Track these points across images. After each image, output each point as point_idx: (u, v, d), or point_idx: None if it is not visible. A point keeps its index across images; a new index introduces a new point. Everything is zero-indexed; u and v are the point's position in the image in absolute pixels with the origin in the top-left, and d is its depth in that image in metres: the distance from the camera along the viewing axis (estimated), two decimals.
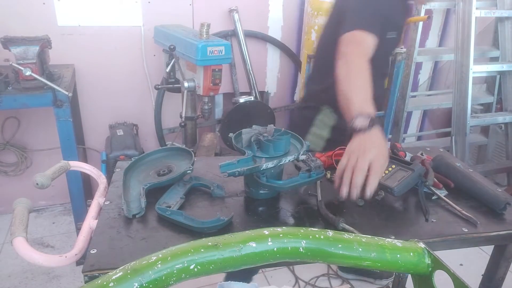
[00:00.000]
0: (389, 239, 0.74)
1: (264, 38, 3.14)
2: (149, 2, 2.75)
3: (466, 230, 1.12)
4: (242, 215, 1.15)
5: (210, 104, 2.61)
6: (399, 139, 3.31)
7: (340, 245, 0.69)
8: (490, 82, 3.40)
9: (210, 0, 2.89)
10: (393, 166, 1.28)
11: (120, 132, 2.69)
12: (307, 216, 1.16)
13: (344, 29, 1.37)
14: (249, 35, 3.06)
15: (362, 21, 1.39)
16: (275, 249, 0.65)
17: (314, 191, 1.26)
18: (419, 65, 3.69)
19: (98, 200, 1.19)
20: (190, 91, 2.46)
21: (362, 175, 1.05)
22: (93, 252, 0.96)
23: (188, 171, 1.23)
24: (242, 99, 3.01)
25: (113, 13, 2.69)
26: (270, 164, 1.11)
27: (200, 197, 1.23)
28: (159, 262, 0.59)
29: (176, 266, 0.59)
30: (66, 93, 2.04)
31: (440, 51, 3.43)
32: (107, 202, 1.17)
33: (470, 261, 2.55)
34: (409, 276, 0.80)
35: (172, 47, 2.31)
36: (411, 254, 0.72)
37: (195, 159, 1.31)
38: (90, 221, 1.09)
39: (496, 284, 1.27)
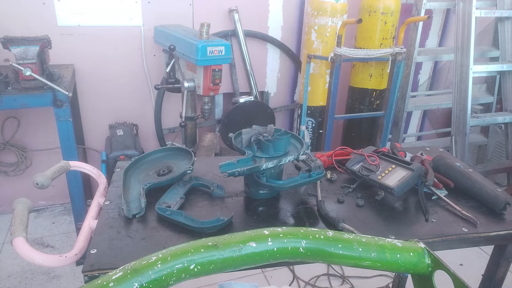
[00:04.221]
0: (389, 239, 0.74)
1: (264, 38, 3.14)
2: (149, 2, 2.75)
3: (466, 230, 1.12)
4: (242, 215, 1.15)
5: (210, 104, 2.61)
6: (399, 139, 3.31)
7: (340, 245, 0.69)
8: (490, 82, 3.40)
9: (210, 0, 2.89)
10: (393, 166, 1.28)
11: (120, 132, 2.69)
12: (307, 216, 1.16)
13: None
14: (249, 35, 3.06)
15: None
16: (275, 249, 0.65)
17: (314, 191, 1.26)
18: (419, 65, 3.69)
19: (98, 200, 1.20)
20: (190, 91, 2.46)
21: None
22: (93, 252, 0.96)
23: (188, 171, 1.23)
24: (242, 99, 3.01)
25: (113, 13, 2.69)
26: (270, 164, 1.11)
27: (200, 197, 1.23)
28: (159, 262, 0.59)
29: (176, 266, 0.59)
30: (66, 93, 2.04)
31: (440, 51, 3.43)
32: (107, 202, 1.17)
33: (470, 261, 2.54)
34: (409, 276, 0.80)
35: (172, 47, 2.31)
36: (411, 254, 0.72)
37: (195, 159, 1.31)
38: (90, 221, 1.09)
39: (496, 284, 1.26)
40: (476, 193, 1.26)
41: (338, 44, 2.63)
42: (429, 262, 0.72)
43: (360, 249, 0.70)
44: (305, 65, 2.93)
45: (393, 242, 0.73)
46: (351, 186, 1.31)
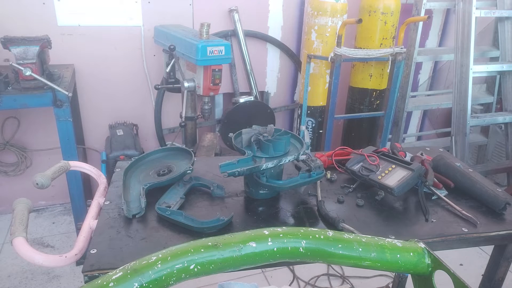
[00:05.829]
0: (389, 239, 0.74)
1: (264, 38, 3.14)
2: (149, 2, 2.75)
3: (466, 230, 1.12)
4: (242, 215, 1.15)
5: (210, 104, 2.61)
6: (399, 139, 3.31)
7: (340, 245, 0.69)
8: (490, 82, 3.40)
9: (210, 0, 2.89)
10: (393, 166, 1.28)
11: (120, 132, 2.69)
12: (307, 216, 1.16)
13: None
14: (249, 35, 3.06)
15: None
16: (275, 249, 0.65)
17: (314, 191, 1.26)
18: (419, 65, 3.69)
19: (98, 200, 1.20)
20: (190, 91, 2.46)
21: None
22: (93, 252, 0.96)
23: (188, 171, 1.23)
24: (242, 99, 3.01)
25: (113, 13, 2.69)
26: (270, 164, 1.11)
27: (200, 197, 1.23)
28: (159, 262, 0.59)
29: (176, 266, 0.59)
30: (66, 93, 2.04)
31: (440, 51, 3.43)
32: (107, 202, 1.17)
33: (470, 261, 2.54)
34: (409, 276, 0.80)
35: (172, 47, 2.31)
36: (411, 254, 0.72)
37: (195, 159, 1.31)
38: (90, 221, 1.09)
39: (496, 284, 1.26)
40: (476, 193, 1.26)
41: (338, 44, 2.63)
42: (429, 262, 0.72)
43: (360, 249, 0.70)
44: (305, 65, 2.93)
45: (393, 242, 0.73)
46: (351, 186, 1.31)
